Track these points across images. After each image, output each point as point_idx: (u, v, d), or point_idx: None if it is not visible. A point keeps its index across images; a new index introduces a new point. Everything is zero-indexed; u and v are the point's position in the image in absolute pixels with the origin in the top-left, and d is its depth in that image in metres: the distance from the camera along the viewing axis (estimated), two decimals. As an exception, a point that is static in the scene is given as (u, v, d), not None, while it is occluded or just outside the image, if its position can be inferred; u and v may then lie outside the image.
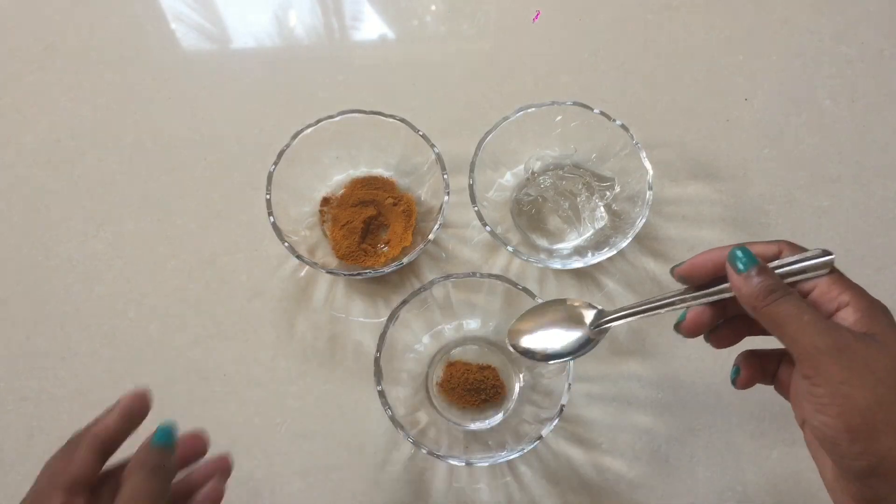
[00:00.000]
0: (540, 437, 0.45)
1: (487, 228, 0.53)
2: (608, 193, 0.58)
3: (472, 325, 0.55)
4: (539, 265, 0.57)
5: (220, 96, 0.67)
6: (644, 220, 0.53)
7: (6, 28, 0.71)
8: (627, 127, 0.55)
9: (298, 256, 0.52)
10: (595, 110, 0.56)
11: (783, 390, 0.36)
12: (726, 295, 0.34)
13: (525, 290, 0.49)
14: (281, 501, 0.51)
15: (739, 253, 0.33)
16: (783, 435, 0.52)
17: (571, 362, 0.47)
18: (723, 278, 0.34)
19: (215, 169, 0.63)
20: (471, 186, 0.54)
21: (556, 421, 0.46)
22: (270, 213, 0.53)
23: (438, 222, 0.53)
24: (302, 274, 0.59)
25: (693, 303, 0.36)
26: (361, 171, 0.61)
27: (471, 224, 0.60)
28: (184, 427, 0.54)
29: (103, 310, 0.57)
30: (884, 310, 0.31)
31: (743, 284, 0.32)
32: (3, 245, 0.60)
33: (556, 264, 0.55)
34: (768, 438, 0.52)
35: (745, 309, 0.33)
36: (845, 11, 0.70)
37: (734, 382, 0.37)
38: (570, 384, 0.46)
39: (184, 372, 0.55)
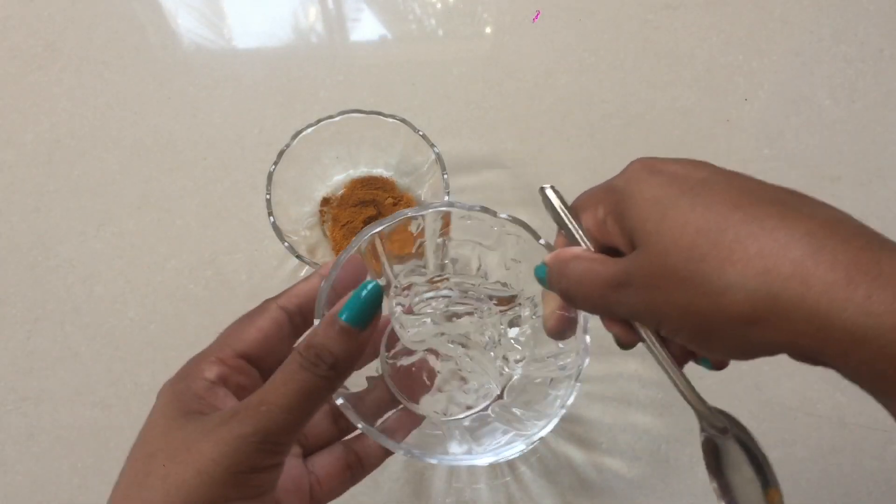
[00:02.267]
0: (540, 437, 0.45)
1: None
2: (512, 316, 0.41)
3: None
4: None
5: (220, 96, 0.67)
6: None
7: (6, 28, 0.71)
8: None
9: (298, 256, 0.52)
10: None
11: None
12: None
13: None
14: (281, 501, 0.51)
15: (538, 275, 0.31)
16: (783, 435, 0.52)
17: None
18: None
19: (215, 169, 0.63)
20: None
21: (557, 421, 0.46)
22: (270, 213, 0.52)
23: (438, 222, 0.53)
24: (302, 274, 0.59)
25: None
26: (361, 171, 0.61)
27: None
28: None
29: (103, 310, 0.57)
30: (618, 212, 0.28)
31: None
32: (3, 245, 0.60)
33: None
34: (768, 439, 0.52)
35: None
36: (845, 11, 0.70)
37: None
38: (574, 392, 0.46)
39: (184, 372, 0.55)
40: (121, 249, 0.60)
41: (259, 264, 0.59)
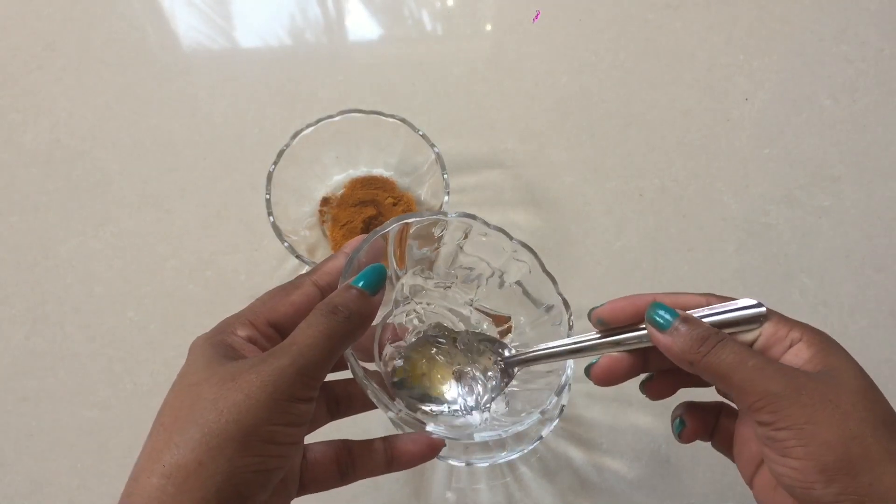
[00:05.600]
0: (540, 438, 0.45)
1: None
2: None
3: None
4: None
5: (220, 96, 0.67)
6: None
7: (6, 28, 0.71)
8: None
9: (298, 256, 0.52)
10: None
11: (722, 446, 0.35)
12: (647, 344, 0.32)
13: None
14: (281, 501, 0.51)
15: (658, 310, 0.31)
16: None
17: (571, 361, 0.47)
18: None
19: (215, 169, 0.63)
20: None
21: (556, 421, 0.46)
22: (270, 213, 0.52)
23: (438, 222, 0.53)
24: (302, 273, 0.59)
25: (611, 349, 0.33)
26: (361, 171, 0.61)
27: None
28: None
29: (103, 310, 0.57)
30: (836, 343, 0.30)
31: (671, 342, 0.30)
32: (2, 245, 0.60)
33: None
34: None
35: (682, 366, 0.30)
36: (845, 11, 0.70)
37: (679, 436, 0.35)
38: (570, 384, 0.46)
39: (184, 372, 0.55)
40: (120, 249, 0.60)
41: (259, 264, 0.59)
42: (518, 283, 0.39)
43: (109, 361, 0.56)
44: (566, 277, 0.58)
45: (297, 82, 0.68)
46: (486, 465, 0.50)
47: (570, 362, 0.37)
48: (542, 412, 0.35)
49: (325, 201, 0.60)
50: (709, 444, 0.52)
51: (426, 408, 0.37)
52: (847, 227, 0.60)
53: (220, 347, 0.30)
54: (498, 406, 0.39)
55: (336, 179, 0.60)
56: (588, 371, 0.34)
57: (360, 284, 0.31)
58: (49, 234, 0.60)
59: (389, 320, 0.39)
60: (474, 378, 0.38)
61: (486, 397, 0.37)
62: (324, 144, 0.57)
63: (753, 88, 0.66)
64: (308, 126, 0.56)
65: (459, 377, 0.38)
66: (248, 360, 0.29)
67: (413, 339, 0.39)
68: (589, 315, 0.33)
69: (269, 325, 0.32)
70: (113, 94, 0.67)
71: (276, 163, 0.54)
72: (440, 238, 0.39)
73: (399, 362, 0.38)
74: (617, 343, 0.33)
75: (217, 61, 0.70)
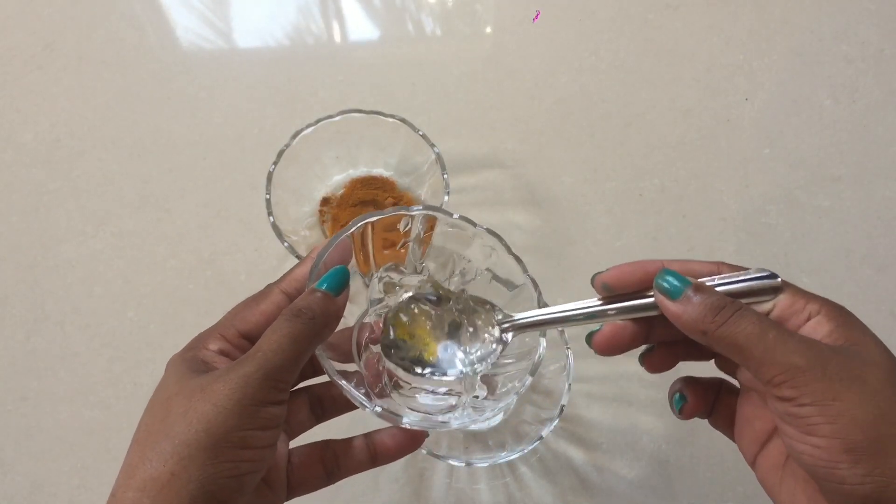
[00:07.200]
0: (540, 438, 0.45)
1: None
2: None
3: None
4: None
5: (219, 96, 0.67)
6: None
7: (6, 27, 0.70)
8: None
9: (298, 256, 0.52)
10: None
11: (721, 424, 0.33)
12: (654, 312, 0.30)
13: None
14: (281, 501, 0.51)
15: (668, 277, 0.29)
16: (783, 435, 0.52)
17: (571, 361, 0.47)
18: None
19: (215, 169, 0.63)
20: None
21: (556, 421, 0.46)
22: (270, 213, 0.52)
23: (438, 222, 0.53)
24: (302, 274, 0.59)
25: (615, 317, 0.31)
26: (361, 171, 0.61)
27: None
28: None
29: (103, 310, 0.57)
30: (856, 318, 0.29)
31: (682, 310, 0.28)
32: (2, 245, 0.60)
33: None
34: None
35: (693, 336, 0.29)
36: (845, 11, 0.70)
37: (680, 412, 0.33)
38: (570, 384, 0.46)
39: (184, 372, 0.55)
40: (120, 249, 0.60)
41: (259, 264, 0.59)
42: (487, 269, 0.40)
43: (109, 361, 0.56)
44: (566, 277, 0.58)
45: (297, 82, 0.68)
46: (486, 465, 0.50)
47: (544, 342, 0.36)
48: (517, 393, 0.34)
49: (325, 201, 0.60)
50: (708, 444, 0.52)
51: (419, 370, 0.36)
52: (847, 227, 0.60)
53: (192, 363, 0.30)
54: (479, 392, 0.39)
55: (336, 179, 0.60)
56: (589, 340, 0.33)
57: (324, 287, 0.31)
58: (49, 234, 0.60)
59: (366, 320, 0.39)
60: (468, 338, 0.37)
61: (480, 361, 0.37)
62: (324, 144, 0.57)
63: (753, 88, 0.66)
64: (308, 126, 0.56)
65: (452, 337, 0.37)
66: (217, 371, 0.29)
67: (404, 298, 0.38)
68: (592, 280, 0.32)
69: (241, 336, 0.32)
70: (113, 94, 0.67)
71: (276, 163, 0.54)
72: (407, 233, 0.39)
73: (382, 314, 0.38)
74: (622, 310, 0.31)
75: (217, 61, 0.70)
